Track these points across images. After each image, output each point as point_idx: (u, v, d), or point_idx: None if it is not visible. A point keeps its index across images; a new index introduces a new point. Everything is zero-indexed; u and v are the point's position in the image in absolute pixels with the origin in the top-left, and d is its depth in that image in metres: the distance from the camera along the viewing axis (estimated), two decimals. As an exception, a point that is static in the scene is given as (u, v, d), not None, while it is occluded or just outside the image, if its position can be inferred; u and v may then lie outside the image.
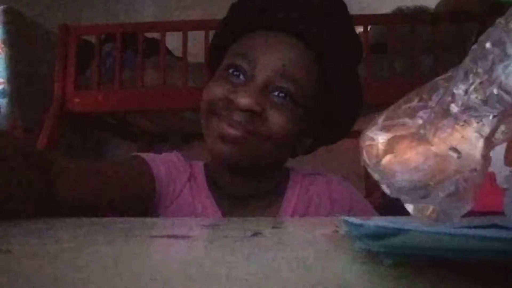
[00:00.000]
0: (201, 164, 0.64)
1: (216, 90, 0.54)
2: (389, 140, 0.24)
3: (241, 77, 0.54)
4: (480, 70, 0.20)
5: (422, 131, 0.23)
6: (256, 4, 0.57)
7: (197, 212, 0.58)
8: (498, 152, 0.25)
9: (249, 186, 0.59)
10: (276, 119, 0.52)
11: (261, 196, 0.60)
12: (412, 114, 0.24)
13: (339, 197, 0.62)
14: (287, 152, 0.60)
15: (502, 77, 0.20)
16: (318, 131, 0.61)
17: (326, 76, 0.56)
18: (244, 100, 0.50)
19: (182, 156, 0.64)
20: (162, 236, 0.27)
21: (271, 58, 0.53)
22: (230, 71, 0.54)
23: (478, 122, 0.21)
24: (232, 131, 0.51)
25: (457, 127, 0.21)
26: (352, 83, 0.61)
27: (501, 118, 0.21)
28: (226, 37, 0.59)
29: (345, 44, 0.58)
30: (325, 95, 0.57)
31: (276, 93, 0.53)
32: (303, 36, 0.54)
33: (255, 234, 0.27)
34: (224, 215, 0.58)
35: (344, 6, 0.59)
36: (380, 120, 0.25)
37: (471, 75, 0.21)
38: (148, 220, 0.41)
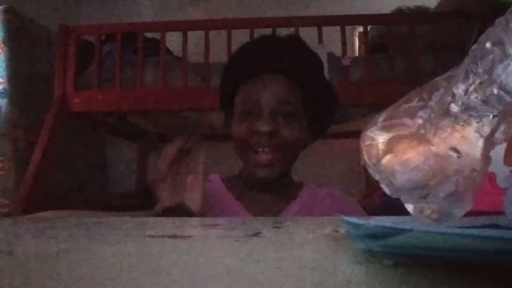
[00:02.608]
0: (217, 179, 0.83)
1: (242, 131, 0.76)
2: (389, 140, 0.24)
3: (253, 114, 0.76)
4: (480, 70, 0.20)
5: (422, 131, 0.23)
6: (251, 58, 0.80)
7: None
8: (498, 152, 0.25)
9: (273, 185, 0.78)
10: (288, 133, 0.75)
11: (279, 191, 0.80)
12: (412, 114, 0.24)
13: (336, 201, 0.81)
14: (297, 154, 0.79)
15: (502, 77, 0.20)
16: (313, 131, 0.82)
17: (307, 91, 0.79)
18: (263, 127, 0.73)
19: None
20: (162, 236, 0.27)
21: (271, 94, 0.76)
22: (244, 114, 0.76)
23: (478, 122, 0.21)
24: (264, 158, 0.73)
25: (457, 127, 0.21)
26: (325, 88, 0.83)
27: (501, 118, 0.21)
28: (231, 86, 0.81)
29: (312, 66, 0.82)
30: (310, 105, 0.80)
31: (280, 116, 0.75)
32: (288, 73, 0.78)
33: (255, 234, 0.27)
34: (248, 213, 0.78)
35: (301, 40, 0.84)
36: (380, 120, 0.25)
37: (471, 75, 0.21)
38: (148, 220, 0.41)
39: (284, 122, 0.75)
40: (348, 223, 0.21)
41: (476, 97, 0.21)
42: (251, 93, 0.77)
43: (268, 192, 0.80)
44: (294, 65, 0.79)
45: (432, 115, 0.23)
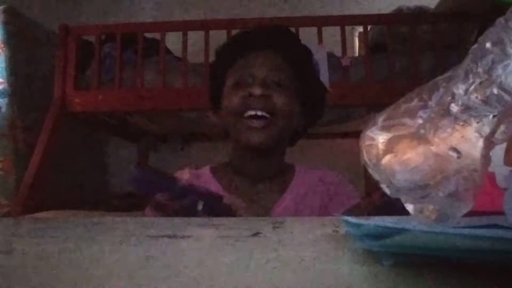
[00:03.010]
0: (207, 171, 0.83)
1: (234, 100, 0.76)
2: (389, 140, 0.24)
3: (246, 83, 0.77)
4: (480, 70, 0.20)
5: (422, 131, 0.23)
6: (243, 38, 0.86)
7: None
8: (498, 152, 0.25)
9: (265, 166, 0.80)
10: (280, 100, 0.76)
11: (271, 179, 0.80)
12: (412, 114, 0.24)
13: (330, 183, 0.82)
14: (289, 130, 0.80)
15: (502, 77, 0.20)
16: (305, 116, 0.82)
17: (298, 70, 0.82)
18: (257, 89, 0.74)
19: (189, 170, 0.83)
20: (162, 236, 0.27)
21: (264, 64, 0.79)
22: (238, 85, 0.77)
23: (478, 122, 0.21)
24: (258, 123, 0.74)
25: (457, 127, 0.21)
26: (316, 76, 0.90)
27: (501, 118, 0.21)
28: (224, 63, 0.83)
29: (303, 51, 0.86)
30: (301, 84, 0.82)
31: (273, 84, 0.77)
32: (279, 50, 0.81)
33: (255, 234, 0.27)
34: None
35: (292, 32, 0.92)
36: (380, 120, 0.25)
37: (471, 75, 0.21)
38: (148, 220, 0.41)
39: (277, 91, 0.76)
40: (348, 223, 0.21)
41: (476, 97, 0.21)
42: (244, 65, 0.79)
43: (259, 181, 0.79)
44: (286, 42, 0.84)
45: (432, 115, 0.23)
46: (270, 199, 0.78)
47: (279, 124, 0.76)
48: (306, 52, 0.88)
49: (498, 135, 0.22)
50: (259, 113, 0.74)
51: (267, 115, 0.74)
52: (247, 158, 0.80)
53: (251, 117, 0.74)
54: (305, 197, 0.79)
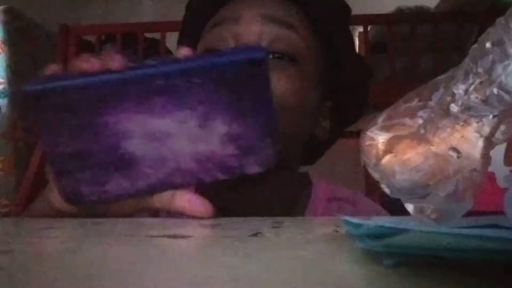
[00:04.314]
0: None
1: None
2: (389, 140, 0.24)
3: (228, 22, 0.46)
4: (480, 70, 0.20)
5: (422, 131, 0.23)
6: None
7: None
8: (498, 152, 0.25)
9: (257, 201, 0.46)
10: (277, 85, 0.42)
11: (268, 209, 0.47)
12: (412, 114, 0.24)
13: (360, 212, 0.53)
14: (303, 132, 0.49)
15: (502, 77, 0.20)
16: (333, 96, 0.52)
17: (316, 25, 0.49)
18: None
19: None
20: (162, 236, 0.27)
21: (257, 12, 0.45)
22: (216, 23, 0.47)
23: (478, 122, 0.21)
24: None
25: (457, 127, 0.21)
26: (347, 34, 0.54)
27: (501, 118, 0.21)
28: (196, 20, 0.52)
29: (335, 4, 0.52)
30: (321, 49, 0.49)
31: (270, 56, 0.43)
32: None
33: (255, 234, 0.27)
34: None
35: None
36: (380, 120, 0.25)
37: (471, 75, 0.21)
38: (147, 220, 0.41)
39: (275, 67, 0.43)
40: (348, 223, 0.21)
41: (476, 97, 0.21)
42: (230, 6, 0.49)
43: (257, 190, 0.46)
44: None
45: (432, 115, 0.23)
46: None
47: (285, 116, 0.42)
48: (339, 7, 0.53)
49: (498, 135, 0.22)
50: None
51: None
52: (222, 190, 0.44)
53: None
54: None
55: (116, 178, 0.36)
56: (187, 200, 0.37)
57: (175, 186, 0.37)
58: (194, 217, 0.37)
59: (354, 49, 0.57)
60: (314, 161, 0.58)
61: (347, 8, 0.54)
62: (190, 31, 0.54)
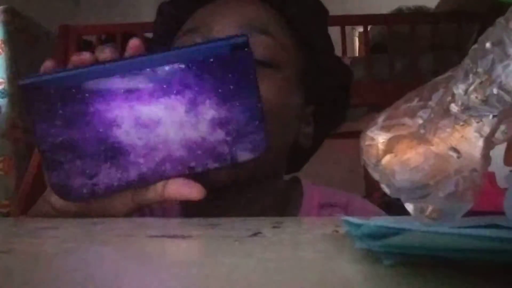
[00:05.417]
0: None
1: None
2: (389, 140, 0.24)
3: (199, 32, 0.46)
4: (480, 70, 0.20)
5: (422, 131, 0.23)
6: None
7: None
8: (498, 152, 0.25)
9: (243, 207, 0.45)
10: (266, 80, 0.42)
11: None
12: (412, 114, 0.24)
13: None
14: (285, 140, 0.47)
15: (502, 77, 0.20)
16: (315, 100, 0.51)
17: (294, 27, 0.49)
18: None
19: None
20: (162, 236, 0.27)
21: (235, 12, 0.45)
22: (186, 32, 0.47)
23: (478, 122, 0.21)
24: None
25: (457, 127, 0.21)
26: (325, 35, 0.53)
27: (501, 118, 0.21)
28: (168, 24, 0.51)
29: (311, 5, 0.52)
30: (300, 52, 0.49)
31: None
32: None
33: (255, 234, 0.27)
34: None
35: None
36: (380, 120, 0.25)
37: (471, 75, 0.21)
38: (147, 220, 0.41)
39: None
40: (348, 223, 0.21)
41: (476, 97, 0.21)
42: (199, 19, 0.48)
43: (234, 192, 0.45)
44: None
45: (432, 115, 0.23)
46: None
47: (267, 124, 0.38)
48: (317, 8, 0.52)
49: (498, 135, 0.22)
50: None
51: None
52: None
53: None
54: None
55: (106, 169, 0.37)
56: (180, 184, 0.37)
57: (166, 177, 0.38)
58: (188, 200, 0.37)
59: (333, 51, 0.55)
60: (299, 168, 0.57)
61: (324, 10, 0.54)
62: (161, 36, 0.53)
